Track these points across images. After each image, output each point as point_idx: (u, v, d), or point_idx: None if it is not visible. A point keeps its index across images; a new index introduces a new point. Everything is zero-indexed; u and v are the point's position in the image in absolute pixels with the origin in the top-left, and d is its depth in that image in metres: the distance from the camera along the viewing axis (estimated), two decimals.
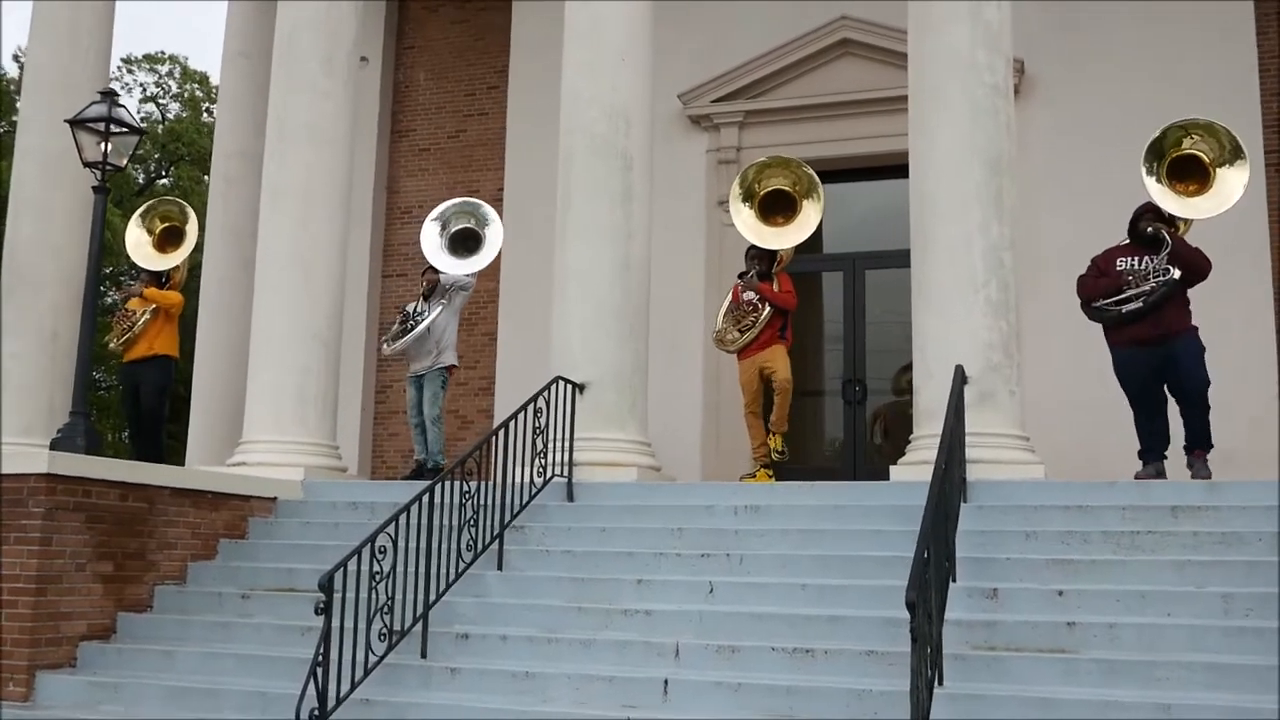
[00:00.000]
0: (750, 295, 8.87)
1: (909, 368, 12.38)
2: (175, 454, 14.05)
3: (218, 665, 6.57)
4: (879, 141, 11.48)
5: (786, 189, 8.96)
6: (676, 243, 11.75)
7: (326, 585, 5.56)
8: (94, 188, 7.87)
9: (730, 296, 9.20)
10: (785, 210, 8.99)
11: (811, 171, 9.00)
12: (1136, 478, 7.56)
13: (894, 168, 11.53)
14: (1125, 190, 10.68)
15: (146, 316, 9.52)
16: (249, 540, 8.12)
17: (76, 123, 7.86)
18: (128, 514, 7.23)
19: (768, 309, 8.78)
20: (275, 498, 8.43)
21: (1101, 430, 9.86)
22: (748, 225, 8.95)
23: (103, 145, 7.79)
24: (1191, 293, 7.69)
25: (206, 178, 30.32)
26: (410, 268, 14.31)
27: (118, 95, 7.96)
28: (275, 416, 8.96)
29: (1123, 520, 6.70)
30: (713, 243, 12.07)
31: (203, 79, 34.44)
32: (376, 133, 14.08)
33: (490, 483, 7.16)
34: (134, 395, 9.63)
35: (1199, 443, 7.53)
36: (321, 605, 5.54)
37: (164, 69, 34.14)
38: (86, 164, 7.90)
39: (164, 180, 31.66)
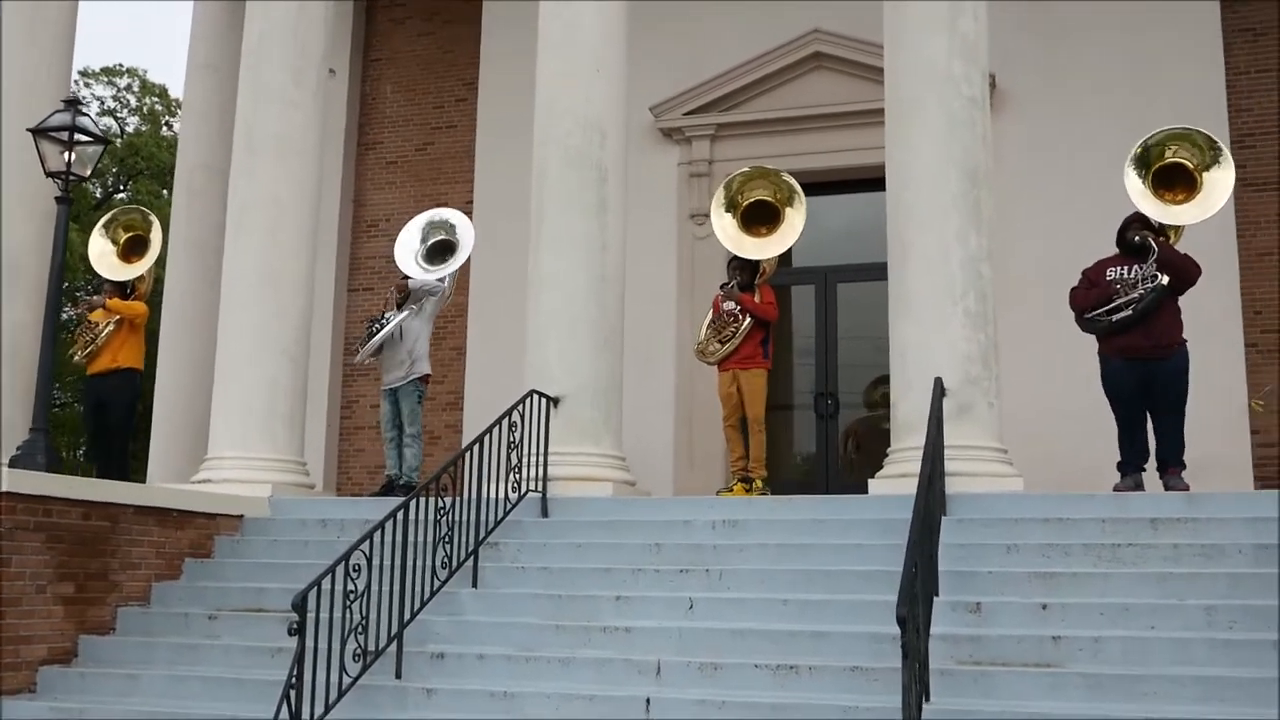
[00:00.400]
0: (730, 305, 8.80)
1: (880, 381, 12.44)
2: (136, 471, 13.77)
3: (184, 689, 6.39)
4: (852, 155, 11.49)
5: (769, 199, 8.90)
6: (648, 256, 11.66)
7: (300, 605, 5.41)
8: (57, 199, 7.67)
9: (712, 308, 9.12)
10: (768, 221, 8.93)
11: (793, 181, 8.96)
12: (1115, 489, 7.56)
13: (867, 181, 11.56)
14: (1098, 203, 10.79)
15: (110, 328, 9.31)
16: (215, 559, 7.92)
17: (39, 132, 7.66)
18: (90, 533, 7.03)
19: (748, 320, 8.71)
20: (242, 515, 8.25)
21: (1075, 442, 9.91)
22: (728, 234, 8.89)
23: (66, 155, 7.59)
24: None
25: (166, 192, 30.09)
26: (377, 281, 14.13)
27: (82, 104, 7.77)
28: (242, 432, 8.77)
29: (1103, 533, 6.67)
30: (684, 256, 12.01)
31: (162, 92, 34.06)
32: (343, 145, 13.93)
33: (464, 498, 7.03)
34: (97, 409, 9.40)
35: (1175, 459, 7.52)
36: (295, 626, 5.38)
37: (122, 82, 33.73)
38: (49, 174, 7.70)
39: (122, 194, 31.24)
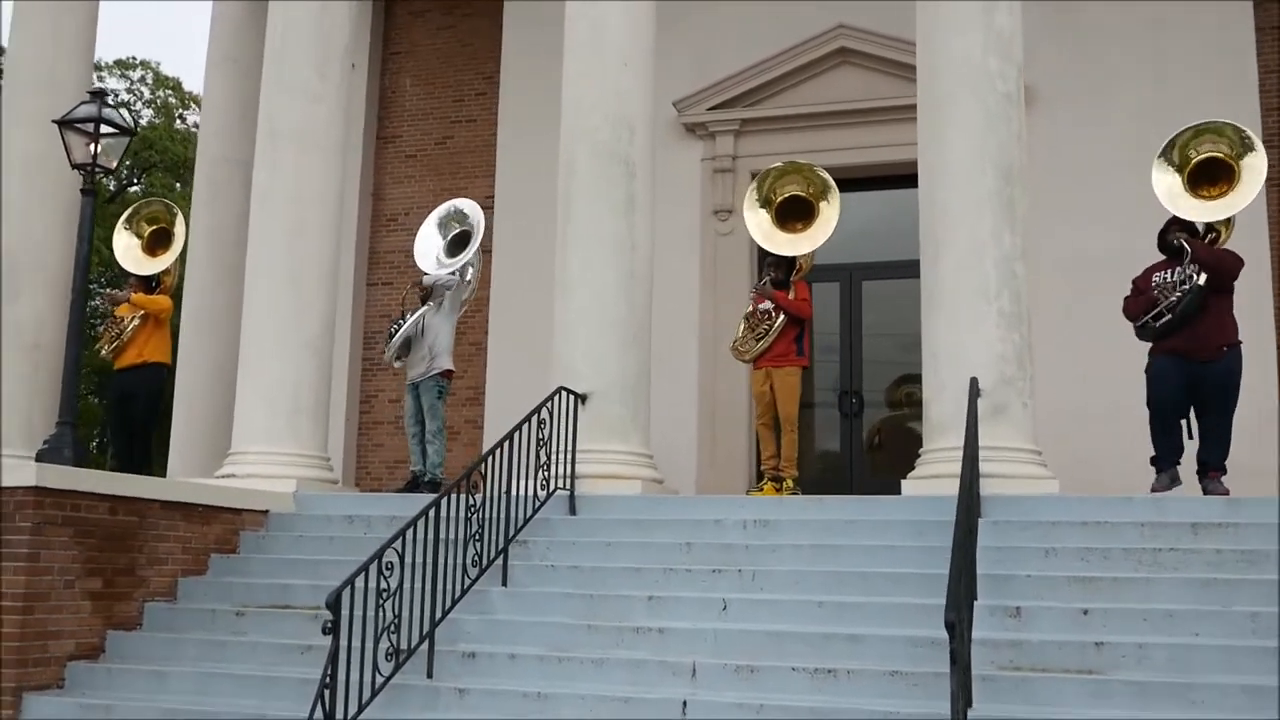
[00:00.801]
0: (765, 304, 8.71)
1: (904, 380, 12.37)
2: (156, 466, 13.74)
3: (214, 686, 6.33)
4: (877, 151, 11.40)
5: (802, 194, 8.80)
6: (671, 252, 11.56)
7: (334, 604, 5.34)
8: (82, 190, 7.62)
9: (750, 306, 9.03)
10: (802, 217, 8.83)
11: (827, 175, 8.86)
12: (1152, 490, 7.48)
13: (892, 178, 11.50)
14: (1127, 203, 10.69)
15: (135, 323, 9.25)
16: (240, 555, 7.87)
17: (65, 123, 7.61)
18: (117, 528, 6.97)
19: (781, 317, 8.62)
20: (267, 510, 8.19)
21: (1104, 442, 9.82)
22: (761, 230, 8.80)
23: (92, 146, 7.53)
24: None
25: (180, 185, 30.07)
26: (397, 276, 14.07)
27: (107, 95, 7.71)
28: (266, 427, 8.72)
29: (1142, 537, 6.59)
30: (707, 252, 11.92)
31: (176, 85, 34.06)
32: (362, 139, 13.86)
33: (493, 496, 6.96)
34: (121, 403, 9.34)
35: (1216, 462, 7.43)
36: (329, 624, 5.31)
37: (136, 75, 33.71)
38: (75, 166, 7.65)
39: (136, 187, 31.21)
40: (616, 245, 8.43)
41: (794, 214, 8.90)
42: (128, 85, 33.84)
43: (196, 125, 31.89)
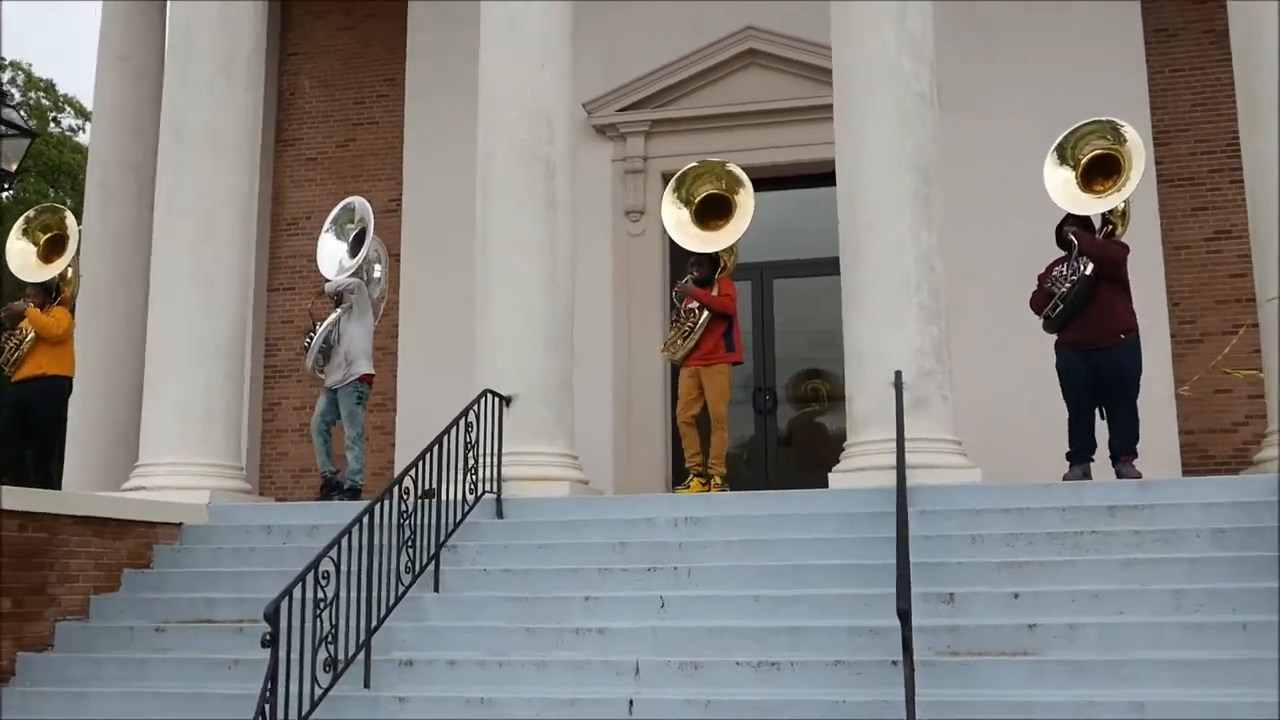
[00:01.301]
0: (693, 303, 8.74)
1: (807, 375, 12.55)
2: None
3: (139, 705, 6.09)
4: (786, 151, 11.54)
5: (718, 192, 8.87)
6: (583, 254, 11.39)
7: (273, 615, 5.18)
8: None
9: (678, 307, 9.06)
10: (721, 215, 8.89)
11: (739, 171, 8.93)
12: (1064, 479, 7.70)
13: (802, 177, 11.67)
14: (1027, 201, 11.00)
15: (32, 336, 8.84)
16: (155, 569, 7.60)
17: None
18: (27, 545, 6.67)
19: (705, 314, 8.66)
20: (181, 523, 7.93)
21: (1017, 436, 10.08)
22: (677, 228, 8.83)
23: None
24: None
25: (53, 190, 28.94)
26: (298, 280, 13.77)
27: (8, 95, 7.38)
28: (177, 436, 8.45)
29: (1063, 521, 6.78)
30: (620, 254, 11.92)
31: (48, 87, 32.79)
32: (260, 142, 13.51)
33: (423, 501, 6.85)
34: (16, 413, 8.91)
35: (1127, 446, 7.70)
36: (268, 636, 5.15)
37: (5, 75, 32.36)
38: None
39: (7, 193, 29.97)
40: (537, 246, 8.38)
41: (712, 212, 8.95)
42: None
43: (72, 129, 30.84)
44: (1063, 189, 8.06)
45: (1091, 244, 7.84)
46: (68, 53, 45.68)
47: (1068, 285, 7.79)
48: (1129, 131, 8.07)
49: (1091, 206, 8.02)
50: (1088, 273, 7.74)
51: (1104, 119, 8.22)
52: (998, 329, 10.84)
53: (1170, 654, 5.49)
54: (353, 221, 9.19)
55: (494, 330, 8.29)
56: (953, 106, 11.50)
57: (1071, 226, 7.99)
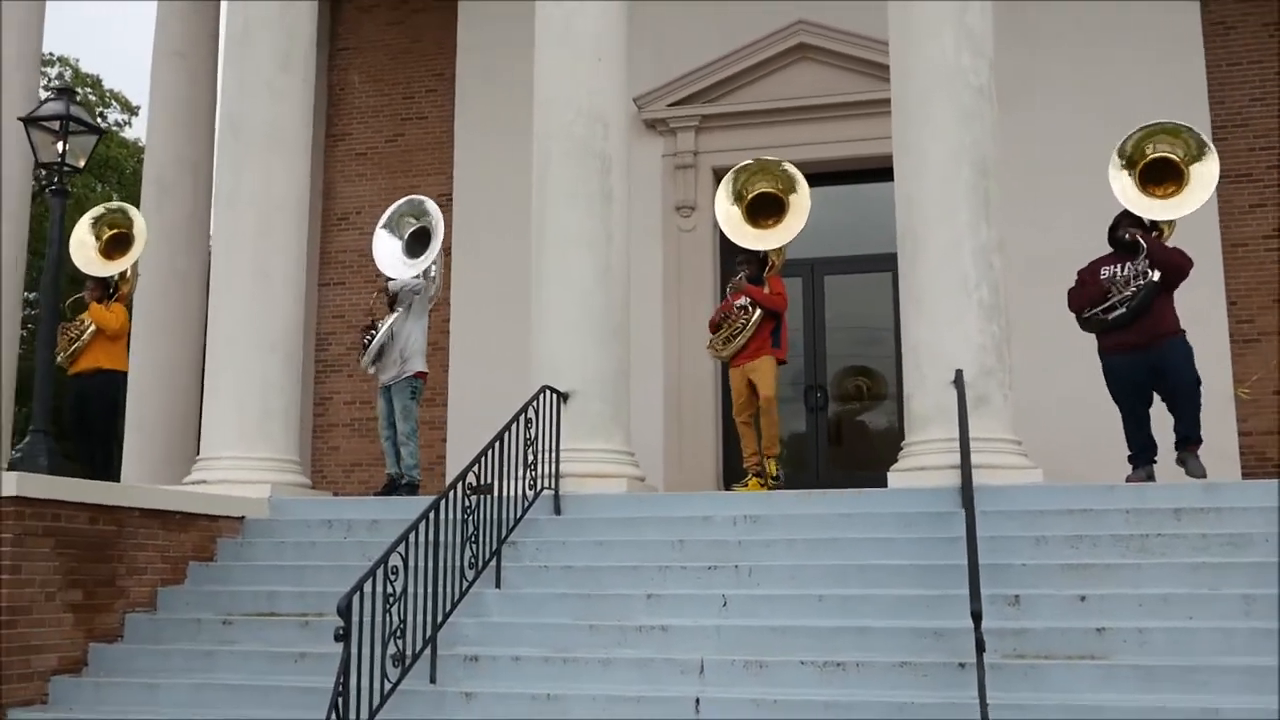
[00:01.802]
0: (742, 300, 8.74)
1: (852, 372, 12.50)
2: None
3: (208, 697, 6.17)
4: (837, 146, 11.51)
5: (772, 191, 8.84)
6: (633, 249, 11.45)
7: (345, 610, 5.23)
8: (52, 190, 7.37)
9: (721, 306, 9.06)
10: (773, 213, 8.87)
11: (795, 170, 8.89)
12: (1127, 481, 7.63)
13: (853, 172, 11.62)
14: (1084, 198, 10.91)
15: (92, 328, 8.97)
16: (219, 563, 7.69)
17: (31, 121, 7.35)
18: (97, 538, 6.77)
19: (758, 312, 8.65)
20: (243, 517, 8.02)
21: (1068, 434, 10.01)
22: (730, 225, 8.80)
23: (59, 145, 7.29)
24: None
25: (101, 186, 29.27)
26: (349, 275, 13.89)
27: (75, 92, 7.48)
28: (238, 431, 8.53)
29: (1128, 523, 6.72)
30: (670, 249, 11.93)
31: (95, 83, 33.16)
32: (309, 138, 13.62)
33: (488, 497, 6.89)
34: (78, 408, 9.06)
35: (1191, 437, 7.62)
36: (340, 630, 5.21)
37: (53, 71, 32.76)
38: (41, 165, 7.41)
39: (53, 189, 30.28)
40: (593, 240, 8.39)
41: (764, 210, 8.92)
42: (44, 83, 32.83)
43: (118, 124, 31.17)
44: (1126, 188, 7.95)
45: (1163, 252, 7.73)
46: (113, 48, 46.21)
47: (1131, 289, 7.68)
48: (1210, 149, 7.92)
49: (1159, 211, 7.91)
50: (1155, 279, 7.65)
51: (1185, 125, 8.08)
52: (1048, 326, 10.74)
53: (1241, 660, 5.44)
54: (416, 217, 9.18)
55: (549, 325, 8.31)
56: (1005, 101, 11.43)
57: (1128, 227, 7.89)
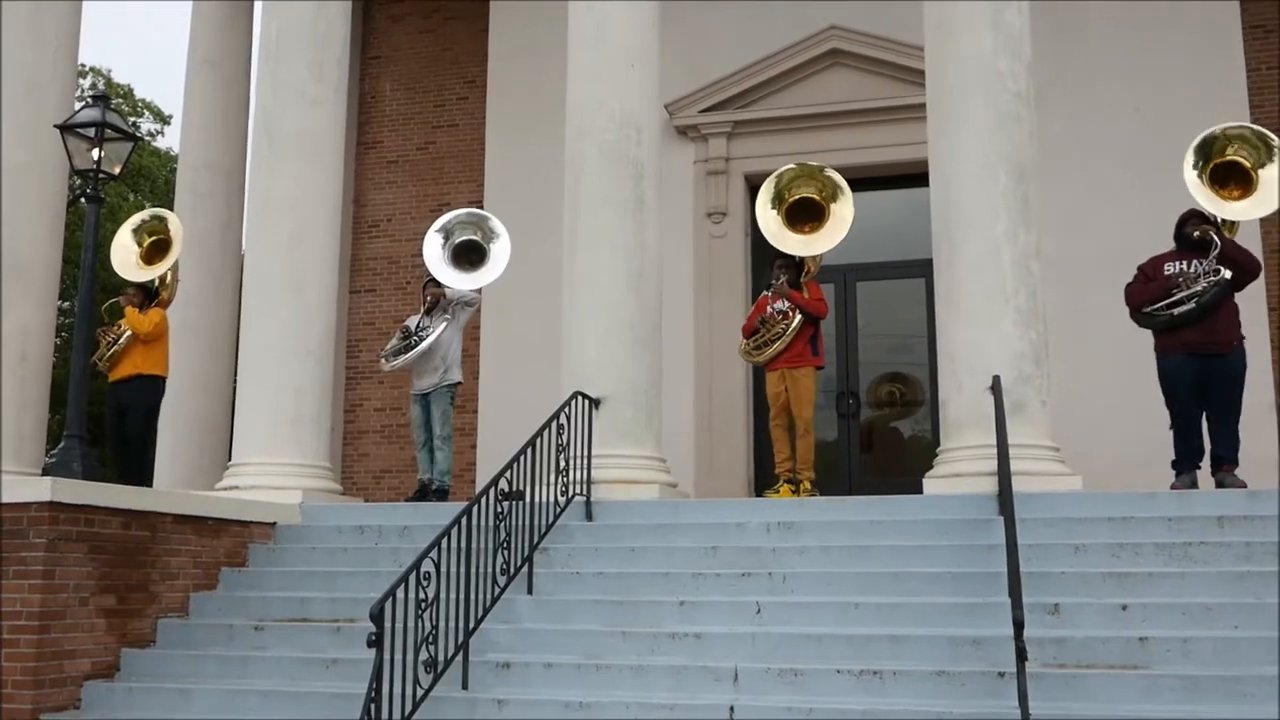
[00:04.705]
0: (780, 304, 8.68)
1: (886, 379, 12.40)
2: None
3: (241, 703, 6.16)
4: (870, 152, 11.44)
5: (814, 197, 8.77)
6: (665, 255, 11.48)
7: (378, 615, 5.22)
8: (87, 197, 7.40)
9: (755, 309, 9.00)
10: (812, 219, 8.80)
11: (839, 177, 8.82)
12: (1172, 488, 7.50)
13: (887, 178, 11.54)
14: (1120, 201, 10.81)
15: (128, 334, 9.01)
16: (251, 568, 7.70)
17: (67, 128, 7.39)
18: (130, 543, 6.79)
19: (798, 317, 8.60)
20: (275, 522, 8.03)
21: (1102, 441, 9.89)
22: (771, 230, 8.74)
23: (95, 152, 7.33)
24: None
25: (134, 195, 29.55)
26: (379, 283, 13.92)
27: (110, 100, 7.52)
28: (269, 437, 8.54)
29: (1170, 531, 6.61)
30: (702, 255, 11.88)
31: (127, 92, 33.50)
32: (343, 144, 13.67)
33: (520, 503, 6.86)
34: (117, 415, 9.10)
35: (1230, 456, 7.49)
36: (373, 636, 5.19)
37: (86, 81, 33.12)
38: (77, 172, 7.44)
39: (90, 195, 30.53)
40: (626, 246, 8.37)
41: (803, 215, 8.85)
42: (79, 93, 33.15)
43: (150, 133, 31.45)
44: (1199, 186, 7.81)
45: (1237, 250, 7.61)
46: (145, 58, 46.67)
47: (1202, 285, 7.54)
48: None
49: (1234, 211, 7.79)
50: (1227, 277, 7.52)
51: (1260, 130, 7.96)
52: (1085, 332, 10.66)
53: None
54: (478, 230, 9.16)
55: (581, 331, 8.29)
56: (1042, 104, 11.34)
57: (1197, 223, 7.76)
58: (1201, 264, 7.57)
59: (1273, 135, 7.89)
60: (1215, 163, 7.83)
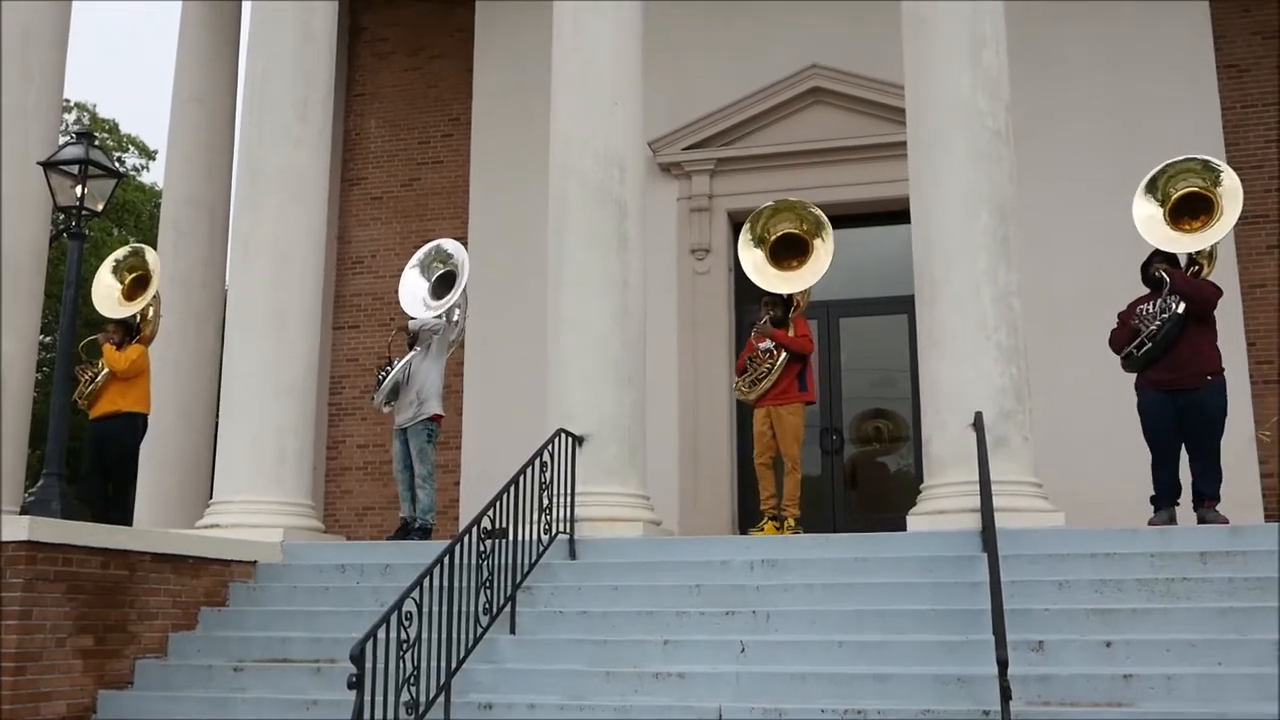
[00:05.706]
0: (766, 344, 8.70)
1: (869, 415, 12.41)
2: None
3: None
4: (852, 190, 11.51)
5: (796, 232, 8.82)
6: (649, 291, 11.53)
7: (358, 656, 5.17)
8: (69, 233, 7.39)
9: (745, 348, 9.02)
10: (797, 254, 8.84)
11: (819, 212, 8.88)
12: (1150, 524, 7.52)
13: (868, 215, 11.61)
14: (1095, 237, 10.90)
15: (106, 371, 8.96)
16: (231, 608, 7.63)
17: (50, 165, 7.39)
18: (109, 583, 6.72)
19: (783, 355, 8.61)
20: (255, 561, 7.97)
21: (1080, 477, 9.90)
22: (755, 268, 8.78)
23: (78, 189, 7.33)
24: None
25: (118, 230, 29.52)
26: (363, 319, 13.90)
27: (94, 137, 7.52)
28: (252, 475, 8.49)
29: (1153, 568, 6.62)
30: (685, 292, 11.91)
31: (113, 128, 33.52)
32: (326, 182, 13.70)
33: (502, 542, 6.83)
34: (95, 450, 9.03)
35: (1210, 491, 7.53)
36: (354, 678, 5.14)
37: (71, 116, 33.13)
38: (60, 208, 7.43)
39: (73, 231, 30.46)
40: (609, 284, 8.38)
41: (788, 251, 8.90)
42: (63, 128, 33.14)
43: (136, 168, 31.44)
44: (1151, 225, 7.93)
45: (1185, 282, 7.70)
46: (131, 94, 46.76)
47: (1157, 324, 7.64)
48: (1227, 176, 7.93)
49: (1184, 244, 7.88)
50: (1179, 311, 7.60)
51: (1200, 157, 8.10)
52: (1062, 365, 10.71)
53: (1273, 708, 5.31)
54: (444, 263, 9.21)
55: (565, 368, 8.28)
56: (1021, 139, 11.45)
57: (1159, 264, 7.86)
58: (1160, 301, 7.66)
59: (1213, 159, 8.00)
60: (1177, 197, 7.91)
